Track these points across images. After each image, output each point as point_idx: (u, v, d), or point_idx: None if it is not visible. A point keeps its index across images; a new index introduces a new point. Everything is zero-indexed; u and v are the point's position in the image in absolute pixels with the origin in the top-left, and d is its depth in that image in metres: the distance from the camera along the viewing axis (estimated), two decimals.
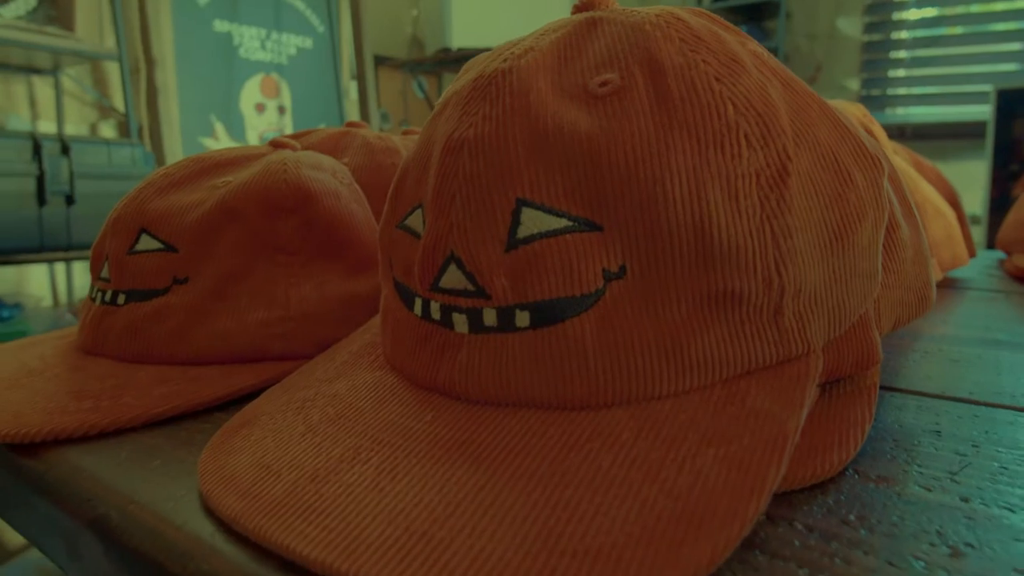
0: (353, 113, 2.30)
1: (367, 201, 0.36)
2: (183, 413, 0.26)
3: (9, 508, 0.24)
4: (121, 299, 0.31)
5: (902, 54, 2.37)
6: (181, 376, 0.28)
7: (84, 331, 0.32)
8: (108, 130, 1.66)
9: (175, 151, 1.66)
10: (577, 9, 0.24)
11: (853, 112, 0.46)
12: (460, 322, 0.20)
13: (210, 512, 0.19)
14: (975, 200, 2.16)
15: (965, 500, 0.19)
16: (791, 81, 0.21)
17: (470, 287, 0.20)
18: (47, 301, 1.53)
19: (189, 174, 0.33)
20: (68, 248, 1.19)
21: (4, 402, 0.26)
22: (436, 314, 0.21)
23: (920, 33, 2.33)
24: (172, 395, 0.27)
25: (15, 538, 1.48)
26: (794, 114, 0.20)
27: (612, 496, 0.16)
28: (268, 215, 0.31)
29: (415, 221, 0.22)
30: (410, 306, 0.22)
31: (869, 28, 2.40)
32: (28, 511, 0.23)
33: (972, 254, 0.57)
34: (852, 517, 0.18)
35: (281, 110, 2.02)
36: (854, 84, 2.46)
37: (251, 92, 1.91)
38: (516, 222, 0.19)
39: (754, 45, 0.22)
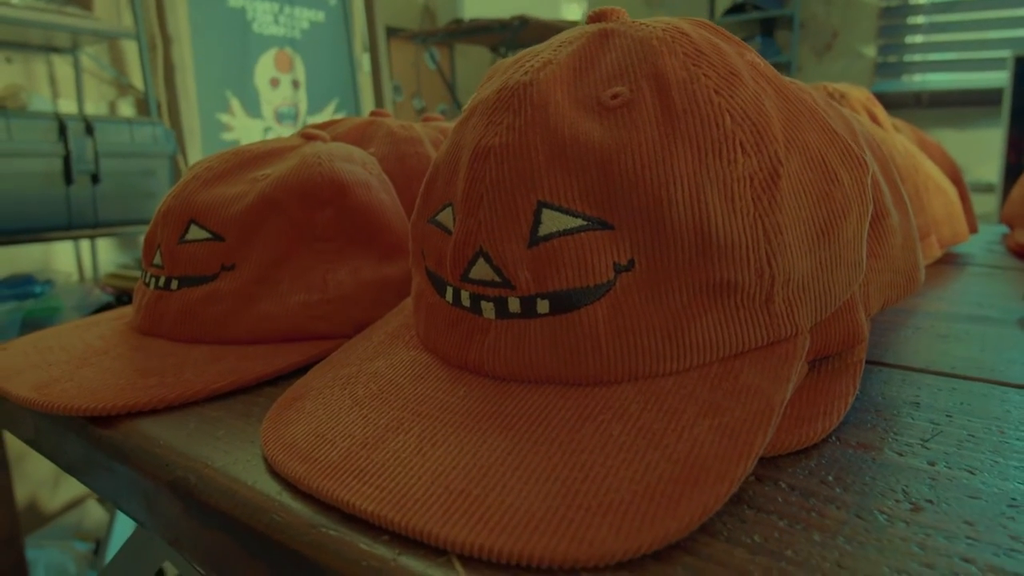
0: (366, 86, 2.30)
1: (393, 189, 0.38)
2: (238, 388, 0.29)
3: (90, 473, 0.28)
4: (174, 284, 0.34)
5: (919, 19, 2.33)
6: (233, 354, 0.31)
7: (140, 313, 0.35)
8: (126, 107, 1.69)
9: (192, 127, 1.69)
10: (590, 19, 0.26)
11: (857, 96, 0.47)
12: (487, 309, 0.23)
13: (275, 475, 0.22)
14: (992, 168, 2.15)
15: (931, 464, 0.22)
16: (784, 89, 0.23)
17: (497, 279, 0.22)
18: (75, 277, 1.58)
19: (230, 167, 0.36)
20: (95, 226, 1.23)
21: (80, 379, 0.29)
22: (466, 301, 0.24)
23: None
24: (228, 372, 0.30)
25: (49, 504, 1.55)
26: (786, 121, 0.22)
27: (621, 460, 0.19)
28: (306, 206, 0.34)
29: (446, 218, 0.25)
30: (442, 293, 0.25)
31: None
32: (109, 475, 0.26)
33: (974, 230, 0.59)
34: (830, 478, 0.21)
35: (295, 84, 2.03)
36: (871, 51, 2.42)
37: (265, 67, 1.92)
38: (537, 221, 0.22)
39: (752, 55, 0.24)
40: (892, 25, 2.38)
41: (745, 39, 2.50)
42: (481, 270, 0.23)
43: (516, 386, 0.22)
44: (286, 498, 0.20)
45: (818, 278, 0.23)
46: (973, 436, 0.23)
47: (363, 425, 0.22)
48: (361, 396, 0.24)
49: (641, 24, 0.24)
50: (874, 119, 0.48)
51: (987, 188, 2.10)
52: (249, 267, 0.33)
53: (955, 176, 0.58)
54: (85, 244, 1.61)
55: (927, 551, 0.17)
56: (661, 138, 0.21)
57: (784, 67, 2.51)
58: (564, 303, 0.22)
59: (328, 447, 0.21)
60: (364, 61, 2.37)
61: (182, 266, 0.34)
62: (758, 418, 0.20)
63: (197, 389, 0.28)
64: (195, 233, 0.34)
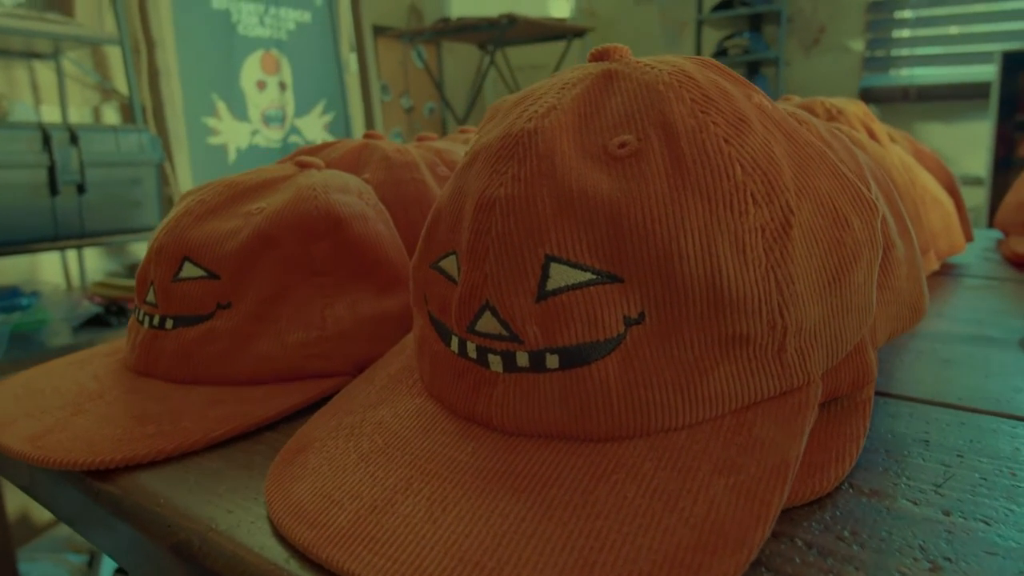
0: (354, 86, 2.29)
1: (391, 219, 0.38)
2: (238, 434, 0.29)
3: (90, 527, 0.27)
4: (169, 324, 0.33)
5: (907, 14, 2.33)
6: (231, 397, 0.31)
7: (135, 352, 0.34)
8: (111, 112, 1.67)
9: (178, 132, 1.67)
10: (593, 57, 0.26)
11: (854, 111, 0.47)
12: (495, 362, 0.23)
13: (282, 538, 0.21)
14: (979, 161, 2.16)
15: (947, 513, 0.21)
16: (794, 133, 0.23)
17: (504, 332, 0.22)
18: (62, 288, 1.55)
19: (223, 200, 0.35)
20: (82, 236, 1.22)
21: (75, 429, 0.28)
22: (472, 353, 0.23)
23: None
24: (226, 417, 0.29)
25: (42, 515, 1.54)
26: (796, 167, 0.22)
27: (637, 526, 0.18)
28: (302, 240, 0.33)
29: (449, 266, 0.24)
30: (447, 342, 0.25)
31: None
32: (110, 532, 0.26)
33: (969, 239, 0.59)
34: (846, 533, 0.21)
35: (282, 86, 2.02)
36: (858, 45, 2.43)
37: (251, 69, 1.90)
38: (545, 276, 0.21)
39: (759, 97, 0.24)
40: (879, 20, 2.38)
41: (733, 35, 2.50)
42: (488, 323, 0.22)
43: (525, 441, 0.22)
44: (294, 567, 0.20)
45: (829, 325, 0.23)
46: (985, 480, 0.23)
47: (371, 485, 0.22)
48: (367, 450, 0.24)
49: (646, 66, 0.24)
50: (871, 134, 0.47)
51: (975, 181, 2.11)
52: (245, 305, 0.33)
53: (950, 186, 0.58)
54: (72, 254, 1.59)
55: None
56: (671, 190, 0.21)
57: (772, 62, 2.52)
58: (574, 358, 0.21)
59: (336, 510, 0.21)
60: (351, 61, 2.35)
61: (177, 305, 0.33)
62: (774, 475, 0.20)
63: (196, 439, 0.27)
64: (189, 271, 0.33)
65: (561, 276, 0.21)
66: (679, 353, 0.21)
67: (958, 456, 0.25)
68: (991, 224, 1.65)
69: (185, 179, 1.69)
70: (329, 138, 2.29)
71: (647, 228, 0.21)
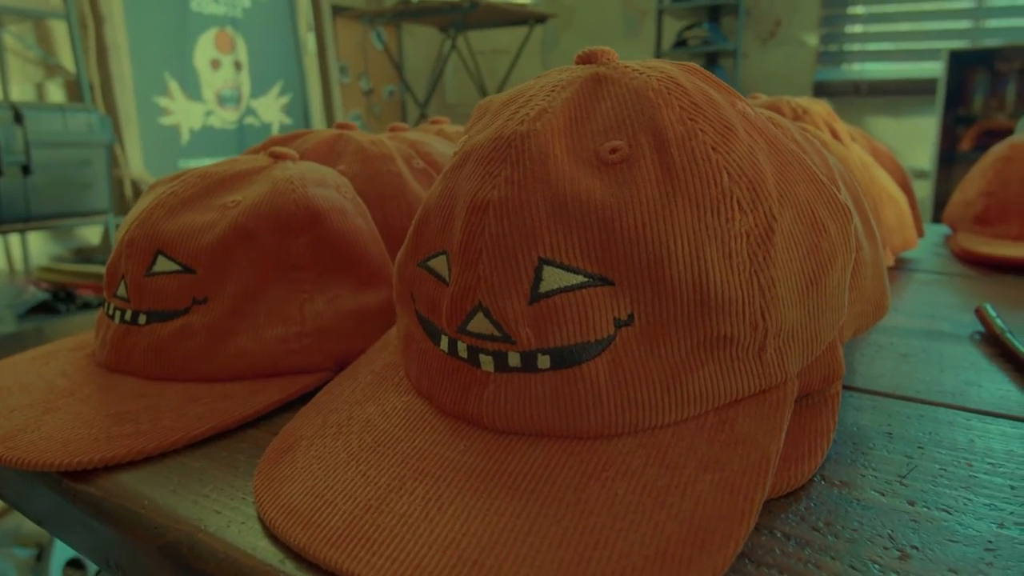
0: (312, 67, 2.23)
1: (368, 213, 0.37)
2: (219, 432, 0.28)
3: (65, 528, 0.26)
4: (142, 319, 0.32)
5: (859, 10, 2.40)
6: (209, 394, 0.30)
7: (105, 348, 0.33)
8: (55, 90, 1.59)
9: (129, 111, 1.61)
10: (580, 60, 0.26)
11: (818, 111, 0.49)
12: (486, 362, 0.23)
13: (274, 539, 0.21)
14: (925, 155, 2.25)
15: (911, 504, 0.23)
16: (775, 140, 0.24)
17: (496, 333, 0.22)
18: (4, 273, 1.49)
19: (196, 192, 0.34)
20: (27, 219, 1.17)
21: (48, 428, 0.28)
22: (463, 353, 0.23)
23: None
24: (206, 415, 0.29)
25: None
26: (778, 174, 0.23)
27: (629, 522, 0.19)
28: (280, 235, 0.33)
29: (439, 265, 0.25)
30: (436, 340, 0.25)
31: None
32: (88, 533, 0.25)
33: (920, 234, 0.61)
34: (821, 524, 0.22)
35: (237, 66, 1.96)
36: (813, 39, 2.49)
37: (205, 47, 1.84)
38: (538, 278, 0.22)
39: (742, 104, 0.24)
40: (833, 15, 2.44)
41: (692, 25, 2.53)
42: (480, 324, 0.23)
43: (516, 440, 0.23)
44: (290, 567, 0.20)
45: (806, 326, 0.24)
46: (945, 471, 0.25)
47: (364, 484, 0.22)
48: (356, 449, 0.24)
49: (635, 71, 0.24)
50: (834, 134, 0.49)
51: (920, 174, 2.20)
52: (222, 300, 0.32)
53: (903, 182, 0.60)
54: (15, 238, 1.52)
55: None
56: (661, 196, 0.21)
57: (730, 54, 2.56)
58: (565, 358, 0.22)
59: (330, 510, 0.21)
60: (309, 41, 2.29)
61: (150, 300, 0.32)
62: (756, 471, 0.21)
63: (176, 438, 0.27)
64: (163, 265, 0.32)
65: (554, 279, 0.22)
66: (666, 353, 0.22)
67: (919, 448, 0.27)
68: (936, 217, 1.72)
69: (135, 161, 1.63)
70: (287, 120, 2.24)
71: (638, 233, 0.21)
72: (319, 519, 0.21)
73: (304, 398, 0.32)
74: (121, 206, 1.60)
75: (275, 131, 2.19)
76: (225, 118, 1.95)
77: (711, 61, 2.63)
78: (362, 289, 0.35)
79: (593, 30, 3.00)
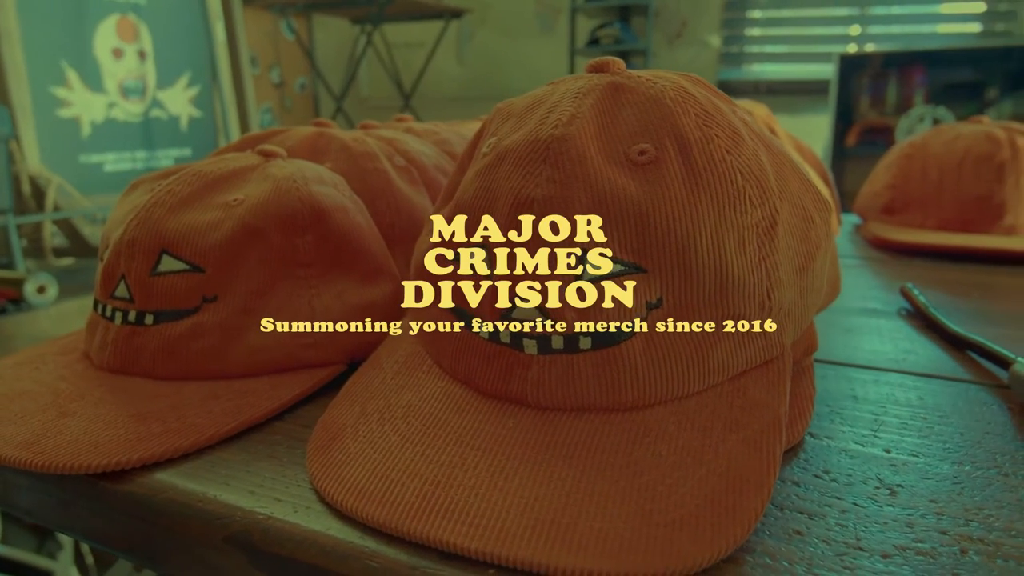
0: (222, 57, 2.14)
1: (367, 210, 0.38)
2: (247, 427, 0.29)
3: (98, 532, 0.26)
4: (149, 319, 0.32)
5: (756, 14, 2.56)
6: (228, 391, 0.31)
7: (107, 350, 0.33)
8: None
9: (23, 103, 1.49)
10: (592, 69, 0.29)
11: (760, 113, 0.54)
12: (530, 345, 0.25)
13: (346, 519, 0.23)
14: (818, 150, 2.43)
15: (887, 451, 0.27)
16: (770, 143, 0.27)
17: (541, 318, 0.25)
18: None
19: (194, 191, 0.34)
20: None
21: (70, 432, 0.27)
22: (505, 338, 0.26)
23: None
24: (233, 410, 0.29)
25: None
26: (776, 173, 0.26)
27: (676, 478, 0.22)
28: (286, 232, 0.33)
29: (476, 258, 0.26)
30: (471, 328, 0.27)
31: None
32: (135, 534, 0.25)
33: (839, 223, 0.68)
34: (821, 472, 0.25)
35: (141, 55, 1.85)
36: (716, 41, 2.63)
37: (106, 35, 1.73)
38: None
39: (740, 112, 0.28)
40: (734, 18, 2.59)
41: (604, 24, 2.62)
42: (525, 311, 0.25)
43: (561, 415, 0.25)
44: (371, 543, 0.21)
45: (797, 304, 0.27)
46: (905, 424, 0.29)
47: (425, 463, 0.23)
48: (407, 432, 0.25)
49: (648, 80, 0.27)
50: (772, 132, 0.54)
51: None
52: (233, 298, 0.32)
53: (825, 178, 0.67)
54: None
55: (914, 528, 0.22)
56: (687, 193, 0.24)
57: (641, 52, 2.66)
58: (605, 339, 0.24)
59: (399, 488, 0.22)
60: (219, 30, 2.19)
61: (157, 300, 0.32)
62: (771, 429, 0.24)
63: (210, 434, 0.27)
64: (169, 264, 0.32)
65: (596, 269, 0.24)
66: (691, 331, 0.25)
67: (881, 407, 0.31)
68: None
69: (32, 155, 1.51)
70: (196, 113, 2.14)
71: (669, 226, 0.24)
72: (391, 497, 0.22)
73: (321, 390, 0.33)
74: (19, 205, 1.48)
75: (183, 125, 2.09)
76: (129, 110, 1.84)
77: (623, 59, 2.73)
78: (367, 284, 0.36)
79: (508, 26, 3.03)
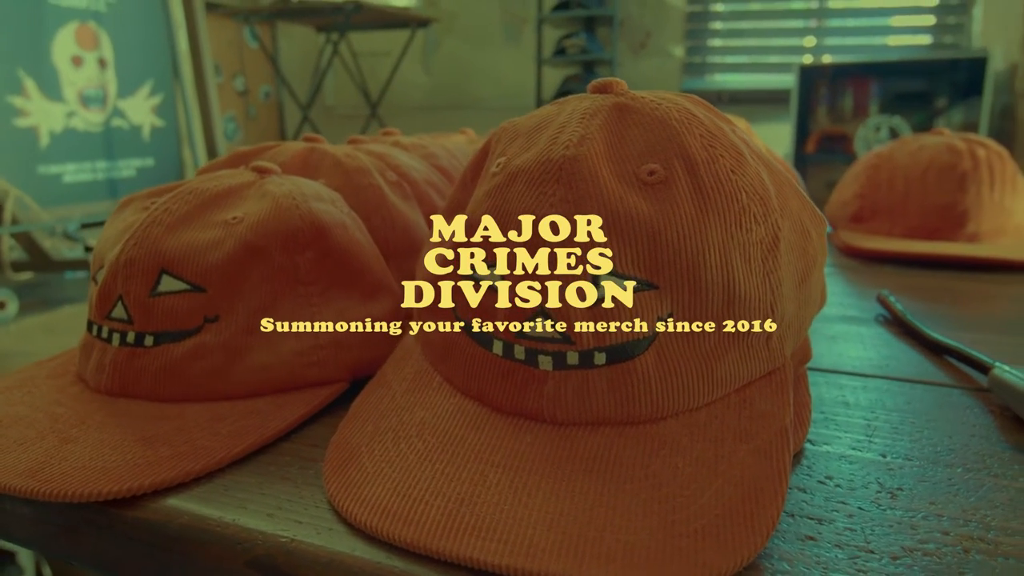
0: (185, 66, 2.10)
1: (364, 227, 0.38)
2: (257, 448, 0.29)
3: (123, 566, 0.26)
4: (149, 341, 0.32)
5: (718, 25, 2.62)
6: (233, 412, 0.31)
7: (104, 373, 0.32)
8: None
9: None
10: (595, 89, 0.29)
11: (744, 126, 0.55)
12: (544, 362, 0.26)
13: (370, 540, 0.23)
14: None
15: (883, 456, 0.28)
16: (770, 163, 0.28)
17: (558, 336, 0.25)
18: None
19: (191, 209, 0.34)
20: None
21: (75, 458, 0.27)
22: (520, 355, 0.26)
23: (733, 7, 2.59)
24: (241, 432, 0.29)
25: None
26: (776, 191, 0.27)
27: (694, 489, 0.23)
28: (288, 250, 0.33)
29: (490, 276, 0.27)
30: (485, 345, 0.27)
31: None
32: (152, 565, 0.25)
33: None
34: (824, 477, 0.26)
35: (102, 63, 1.81)
36: (679, 51, 2.68)
37: (65, 43, 1.68)
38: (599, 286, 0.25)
39: (740, 132, 0.29)
40: (697, 29, 2.65)
41: (570, 35, 2.65)
42: (542, 328, 0.25)
43: (577, 429, 0.25)
44: (399, 562, 0.22)
45: (797, 316, 0.28)
46: (896, 429, 0.31)
47: (446, 481, 0.24)
48: (424, 450, 0.25)
49: (652, 101, 0.28)
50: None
51: None
52: (235, 317, 0.32)
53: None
54: None
55: (917, 530, 0.23)
56: (696, 212, 0.25)
57: (606, 63, 2.70)
58: (620, 354, 0.25)
59: (423, 507, 0.23)
60: (181, 38, 2.15)
61: (158, 320, 0.32)
62: (779, 439, 0.25)
63: (220, 456, 0.27)
64: (169, 284, 0.32)
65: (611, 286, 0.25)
66: (700, 345, 0.26)
67: (872, 412, 0.32)
68: None
69: None
70: (159, 122, 2.09)
71: (680, 244, 0.25)
72: (415, 516, 0.22)
73: (324, 410, 0.33)
74: None
75: (146, 134, 2.05)
76: (89, 120, 1.80)
77: (588, 69, 2.77)
78: (368, 301, 0.36)
79: (474, 36, 3.05)
